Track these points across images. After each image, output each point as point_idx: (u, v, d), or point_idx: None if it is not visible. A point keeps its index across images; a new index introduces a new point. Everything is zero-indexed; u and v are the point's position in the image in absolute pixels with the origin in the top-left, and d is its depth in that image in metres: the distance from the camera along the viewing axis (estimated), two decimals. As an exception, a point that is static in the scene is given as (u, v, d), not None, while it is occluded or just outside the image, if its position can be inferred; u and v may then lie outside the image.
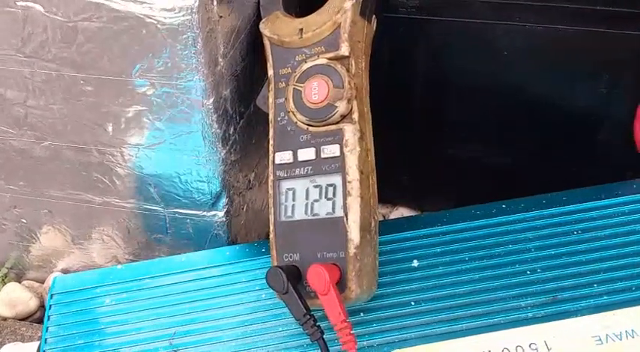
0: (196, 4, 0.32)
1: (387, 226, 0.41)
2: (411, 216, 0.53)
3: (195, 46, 0.33)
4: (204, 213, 0.43)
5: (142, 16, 0.32)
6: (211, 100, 0.36)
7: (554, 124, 0.45)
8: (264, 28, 0.39)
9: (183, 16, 0.32)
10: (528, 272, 0.38)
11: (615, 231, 0.39)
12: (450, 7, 0.41)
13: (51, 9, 0.33)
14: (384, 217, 0.58)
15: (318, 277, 0.33)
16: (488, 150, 0.49)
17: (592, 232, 0.39)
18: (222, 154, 0.40)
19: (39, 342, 0.40)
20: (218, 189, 0.41)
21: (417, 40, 0.44)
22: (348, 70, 0.36)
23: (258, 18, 0.40)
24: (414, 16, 0.43)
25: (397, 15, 0.43)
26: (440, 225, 0.41)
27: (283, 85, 0.38)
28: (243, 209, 0.46)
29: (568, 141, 0.46)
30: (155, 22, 0.32)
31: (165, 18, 0.32)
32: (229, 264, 0.40)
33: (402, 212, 0.57)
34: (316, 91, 0.36)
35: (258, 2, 0.40)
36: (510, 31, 0.41)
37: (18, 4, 0.33)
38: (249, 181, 0.46)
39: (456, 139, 0.50)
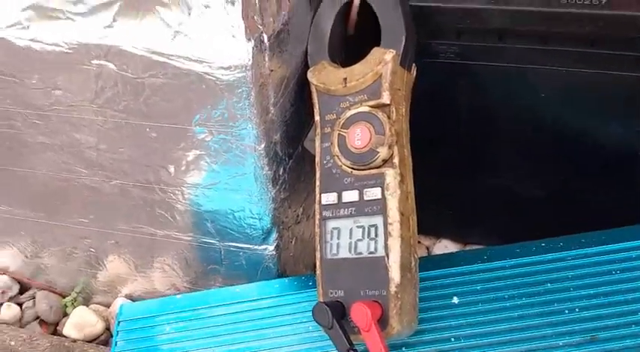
0: (250, 62, 0.35)
1: (428, 263, 0.43)
2: (452, 252, 0.54)
3: (248, 99, 0.36)
4: (256, 247, 0.46)
5: (201, 73, 0.36)
6: (263, 146, 0.39)
7: (593, 162, 0.46)
8: (312, 77, 0.42)
9: (238, 73, 0.35)
10: (567, 312, 0.39)
11: (655, 271, 0.40)
12: (486, 53, 0.43)
13: (122, 67, 0.37)
14: (427, 249, 0.60)
15: (361, 314, 0.35)
16: (526, 186, 0.50)
17: (631, 272, 0.40)
18: (273, 193, 0.43)
19: (106, 364, 0.43)
20: (269, 225, 0.44)
21: (458, 81, 0.46)
22: (389, 117, 0.38)
23: (305, 66, 0.43)
24: (453, 61, 0.45)
25: (438, 60, 0.45)
26: (480, 262, 0.42)
27: (329, 130, 0.40)
28: (291, 242, 0.49)
29: (608, 179, 0.47)
30: (214, 79, 0.36)
31: (222, 75, 0.35)
32: (279, 296, 0.43)
33: (445, 244, 0.59)
34: (359, 137, 0.38)
35: (306, 51, 0.43)
36: (543, 73, 0.43)
37: (93, 62, 0.37)
38: (298, 216, 0.49)
39: (497, 175, 0.51)
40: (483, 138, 0.49)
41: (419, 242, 0.60)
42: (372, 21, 0.42)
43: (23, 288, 0.60)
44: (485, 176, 0.52)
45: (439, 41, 0.44)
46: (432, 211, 0.57)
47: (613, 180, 0.47)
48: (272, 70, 0.38)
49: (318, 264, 0.39)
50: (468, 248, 0.59)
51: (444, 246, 0.59)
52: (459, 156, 0.51)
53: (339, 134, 0.39)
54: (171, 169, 0.42)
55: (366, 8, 0.42)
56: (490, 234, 0.56)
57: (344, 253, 0.38)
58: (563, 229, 0.44)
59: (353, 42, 0.44)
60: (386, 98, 0.39)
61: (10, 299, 0.60)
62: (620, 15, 0.39)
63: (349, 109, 0.39)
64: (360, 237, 0.38)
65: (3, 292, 0.59)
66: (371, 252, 0.37)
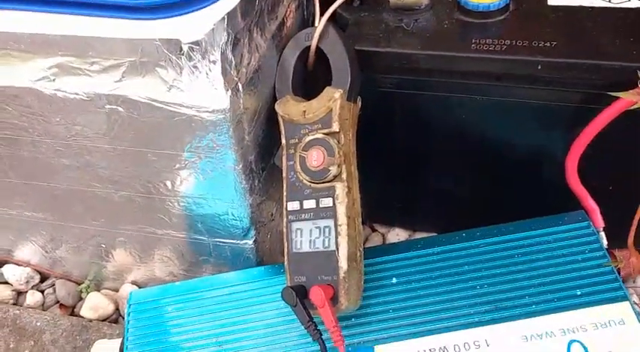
0: (228, 106, 0.46)
1: (374, 252, 0.54)
2: (392, 243, 0.66)
3: (228, 133, 0.47)
4: (238, 242, 0.57)
5: (191, 115, 0.46)
6: (240, 166, 0.50)
7: (505, 168, 0.58)
8: (278, 108, 0.52)
9: (219, 114, 0.46)
10: (478, 287, 0.51)
11: (545, 255, 0.52)
12: (417, 84, 0.54)
13: (129, 110, 0.47)
14: (383, 236, 0.71)
15: (317, 295, 0.47)
16: (456, 187, 0.62)
17: (528, 256, 0.52)
18: (250, 200, 0.54)
19: (121, 339, 0.55)
20: (248, 225, 0.55)
21: (397, 105, 0.57)
22: (338, 142, 0.49)
23: (273, 99, 0.54)
24: (393, 90, 0.55)
25: (380, 89, 0.56)
26: (414, 250, 0.54)
27: (292, 151, 0.51)
28: (267, 236, 0.60)
29: (521, 179, 0.59)
30: (200, 119, 0.46)
31: (207, 116, 0.46)
32: (257, 281, 0.54)
33: (397, 232, 0.71)
34: (315, 158, 0.49)
35: (274, 86, 0.54)
36: (463, 100, 0.54)
37: (105, 107, 0.47)
38: (272, 215, 0.60)
39: (433, 178, 0.62)
40: (420, 149, 0.60)
41: (375, 230, 0.72)
42: (326, 61, 0.52)
43: (44, 278, 0.71)
44: (425, 179, 0.63)
45: (380, 75, 0.55)
46: (386, 205, 0.69)
47: (521, 183, 0.58)
48: (246, 108, 0.49)
49: (285, 256, 0.51)
50: (416, 234, 0.70)
51: (396, 234, 0.71)
52: (404, 163, 0.63)
53: (300, 155, 0.50)
54: (168, 184, 0.53)
55: (321, 52, 0.52)
56: (431, 223, 0.68)
57: (305, 248, 0.50)
58: (485, 220, 0.55)
59: (311, 76, 0.55)
60: (335, 127, 0.49)
61: (33, 287, 0.71)
62: (516, 59, 0.50)
63: (308, 135, 0.50)
64: (318, 236, 0.49)
65: (27, 281, 0.70)
66: (325, 247, 0.49)
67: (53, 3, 0.43)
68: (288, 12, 0.55)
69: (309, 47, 0.53)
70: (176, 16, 0.43)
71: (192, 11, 0.43)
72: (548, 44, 0.49)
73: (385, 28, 0.55)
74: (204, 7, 0.43)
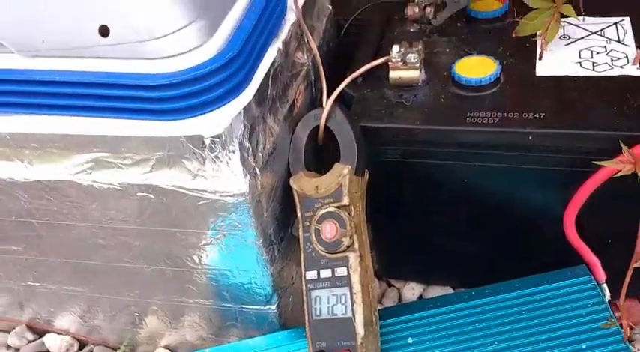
0: (247, 190, 0.50)
1: (388, 313, 0.58)
2: (406, 303, 0.70)
3: (248, 212, 0.52)
4: (262, 307, 0.61)
5: (214, 199, 0.51)
6: (261, 240, 0.55)
7: (513, 225, 0.61)
8: (293, 184, 0.57)
9: (239, 198, 0.51)
10: (489, 344, 0.54)
11: (551, 310, 0.55)
12: (419, 154, 0.58)
13: (158, 197, 0.52)
14: (398, 290, 0.75)
15: (337, 359, 0.51)
16: (466, 243, 0.65)
17: (535, 312, 0.55)
18: (271, 270, 0.58)
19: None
20: (270, 292, 0.59)
21: (403, 172, 0.61)
22: (349, 214, 0.54)
23: (288, 174, 0.58)
24: (398, 160, 0.60)
25: (387, 159, 0.60)
26: (427, 309, 0.57)
27: (307, 223, 0.56)
28: (289, 299, 0.64)
29: (524, 236, 0.62)
30: (222, 202, 0.51)
31: (228, 200, 0.51)
32: (282, 346, 0.58)
33: (412, 286, 0.74)
34: (329, 231, 0.53)
35: (288, 163, 0.59)
36: (461, 166, 0.58)
37: (137, 194, 0.53)
38: (292, 278, 0.64)
39: (444, 236, 0.66)
40: (428, 210, 0.64)
41: (391, 285, 0.76)
42: (335, 136, 0.57)
43: (82, 344, 0.75)
44: (435, 237, 0.67)
45: (385, 147, 0.59)
46: (400, 262, 0.73)
47: (524, 240, 0.62)
48: (264, 187, 0.53)
49: (306, 323, 0.54)
50: (430, 287, 0.74)
51: (411, 288, 0.74)
52: (414, 223, 0.66)
53: (315, 228, 0.54)
54: (195, 258, 0.58)
55: (330, 130, 0.57)
56: (444, 277, 0.72)
57: (324, 315, 0.53)
58: (494, 273, 0.59)
59: (322, 151, 0.60)
60: (346, 201, 0.54)
61: (73, 354, 0.75)
62: (508, 131, 0.54)
63: (321, 209, 0.55)
64: (335, 303, 0.53)
65: (67, 349, 0.74)
66: (343, 314, 0.53)
67: (92, 109, 0.49)
68: (297, 93, 0.60)
69: (318, 126, 0.58)
70: (198, 115, 0.48)
71: (212, 110, 0.48)
72: (537, 115, 0.54)
73: (387, 104, 0.59)
74: (223, 105, 0.49)
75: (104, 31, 0.46)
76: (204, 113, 0.48)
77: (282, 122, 0.57)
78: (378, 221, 0.63)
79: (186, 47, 0.47)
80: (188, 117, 0.48)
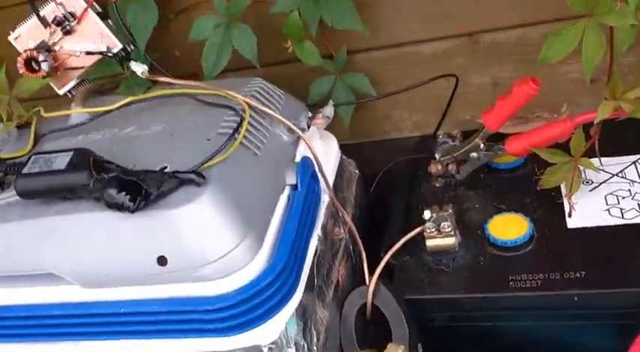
0: None
1: None
2: None
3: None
4: None
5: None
6: None
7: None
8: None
9: None
10: None
11: None
12: (465, 318, 0.60)
13: None
14: None
15: None
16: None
17: None
18: None
19: None
20: None
21: (452, 336, 0.62)
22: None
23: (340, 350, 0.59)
24: (445, 325, 0.61)
25: (434, 325, 0.61)
26: None
27: None
28: None
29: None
30: None
31: (291, 401, 0.52)
32: None
33: None
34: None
35: (340, 343, 0.60)
36: (506, 326, 0.59)
37: None
38: None
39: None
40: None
41: None
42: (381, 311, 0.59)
43: None
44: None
45: (431, 314, 0.60)
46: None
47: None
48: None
49: None
50: None
51: None
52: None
53: None
54: None
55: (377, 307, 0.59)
56: None
57: None
58: None
59: (372, 325, 0.61)
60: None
61: None
62: (551, 294, 0.55)
63: None
64: None
65: None
66: None
67: (157, 332, 0.51)
68: (340, 272, 0.62)
69: (364, 303, 0.59)
70: (255, 327, 0.50)
71: (268, 320, 0.50)
72: (578, 275, 0.55)
73: (428, 271, 0.61)
74: (277, 313, 0.51)
75: (162, 261, 0.49)
76: (261, 324, 0.50)
77: (330, 305, 0.58)
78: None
79: (239, 265, 0.50)
80: (246, 331, 0.50)
